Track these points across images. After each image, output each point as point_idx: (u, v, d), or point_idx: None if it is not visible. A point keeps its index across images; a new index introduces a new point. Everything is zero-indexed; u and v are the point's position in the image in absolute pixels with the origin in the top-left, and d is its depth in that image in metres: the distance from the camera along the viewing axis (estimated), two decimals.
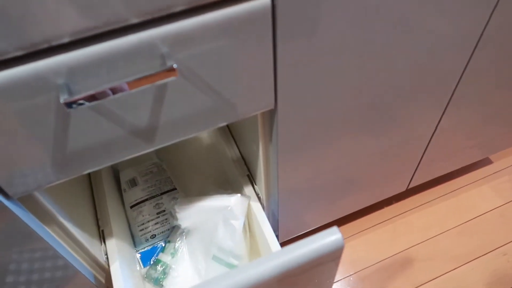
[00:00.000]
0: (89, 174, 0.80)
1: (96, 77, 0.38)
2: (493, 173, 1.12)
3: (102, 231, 0.68)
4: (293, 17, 0.43)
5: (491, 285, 0.93)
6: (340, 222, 1.04)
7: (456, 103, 0.73)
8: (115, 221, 0.71)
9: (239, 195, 0.72)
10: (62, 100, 0.35)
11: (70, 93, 0.37)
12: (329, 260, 0.49)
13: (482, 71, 0.69)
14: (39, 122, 0.39)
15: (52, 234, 0.52)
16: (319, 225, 0.93)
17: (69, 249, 0.56)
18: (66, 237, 0.55)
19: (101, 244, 0.67)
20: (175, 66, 0.38)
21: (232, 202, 0.71)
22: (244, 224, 0.72)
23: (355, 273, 0.96)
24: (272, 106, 0.52)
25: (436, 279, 0.95)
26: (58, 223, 0.53)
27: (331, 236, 0.48)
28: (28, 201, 0.48)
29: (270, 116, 0.56)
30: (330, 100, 0.58)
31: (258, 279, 0.44)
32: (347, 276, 0.96)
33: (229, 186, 0.86)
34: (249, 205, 0.73)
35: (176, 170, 0.91)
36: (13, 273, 0.50)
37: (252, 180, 0.77)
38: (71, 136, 0.42)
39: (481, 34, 0.61)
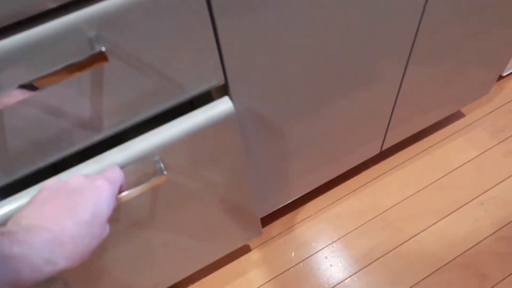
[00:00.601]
0: None
1: (19, 70, 0.36)
2: (466, 125, 1.13)
3: None
4: None
5: (471, 235, 0.95)
6: (320, 190, 1.05)
7: (416, 60, 0.73)
8: None
9: None
10: None
11: None
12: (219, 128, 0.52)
13: (438, 23, 0.68)
14: None
15: None
16: (299, 195, 0.93)
17: None
18: None
19: None
20: (103, 49, 0.36)
21: None
22: None
23: (339, 239, 0.97)
24: (222, 81, 0.51)
25: (418, 235, 0.97)
26: None
27: (221, 105, 0.51)
28: None
29: (225, 93, 0.55)
30: (286, 71, 0.57)
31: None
32: (331, 243, 0.97)
33: None
34: None
35: None
36: None
37: None
38: (9, 135, 0.40)
39: None
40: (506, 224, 0.95)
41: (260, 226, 0.85)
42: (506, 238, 0.93)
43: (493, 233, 0.95)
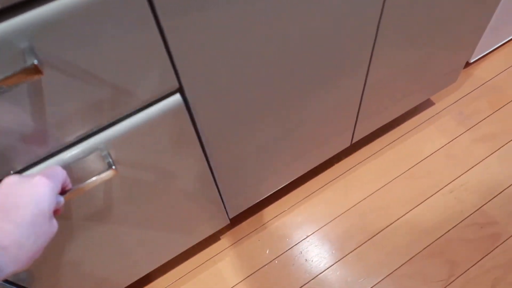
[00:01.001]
0: None
1: None
2: (436, 113, 1.14)
3: None
4: None
5: (442, 223, 0.96)
6: (293, 185, 1.04)
7: (380, 51, 0.72)
8: None
9: None
10: None
11: None
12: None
13: (400, 13, 0.67)
14: None
15: None
16: (271, 192, 0.92)
17: None
18: None
19: None
20: (35, 62, 0.34)
21: None
22: None
23: (313, 233, 0.97)
24: (176, 85, 0.49)
25: (391, 225, 0.97)
26: None
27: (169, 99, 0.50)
28: None
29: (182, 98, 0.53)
30: (244, 70, 0.55)
31: None
32: (306, 237, 0.97)
33: None
34: None
35: None
36: None
37: None
38: None
39: None
40: (475, 211, 0.97)
41: (226, 214, 0.84)
42: (475, 225, 0.95)
43: (463, 220, 0.96)
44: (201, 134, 0.60)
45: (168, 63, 0.46)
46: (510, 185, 1.00)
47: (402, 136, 1.11)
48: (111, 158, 0.50)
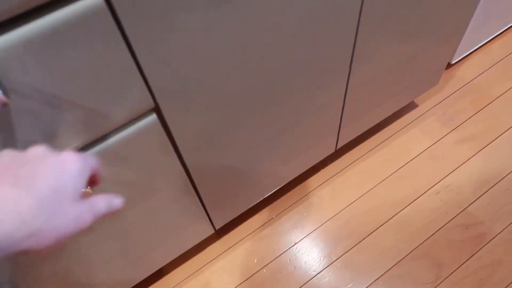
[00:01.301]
0: None
1: None
2: (420, 115, 1.15)
3: None
4: (139, 8, 0.39)
5: (428, 225, 0.97)
6: (279, 192, 1.04)
7: (360, 56, 0.72)
8: None
9: None
10: None
11: None
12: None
13: (378, 17, 0.67)
14: None
15: None
16: (257, 201, 0.92)
17: None
18: None
19: None
20: (0, 92, 0.33)
21: None
22: None
23: (300, 240, 0.97)
24: (151, 105, 0.49)
25: (378, 229, 0.98)
26: None
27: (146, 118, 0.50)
28: None
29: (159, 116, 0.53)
30: (221, 85, 0.54)
31: None
32: (294, 245, 0.97)
33: None
34: None
35: None
36: None
37: None
38: None
39: None
40: (460, 212, 0.98)
41: (211, 225, 0.84)
42: (461, 226, 0.96)
43: (449, 221, 0.97)
44: (180, 149, 0.59)
45: (141, 83, 0.45)
46: (494, 185, 1.01)
47: (387, 139, 1.12)
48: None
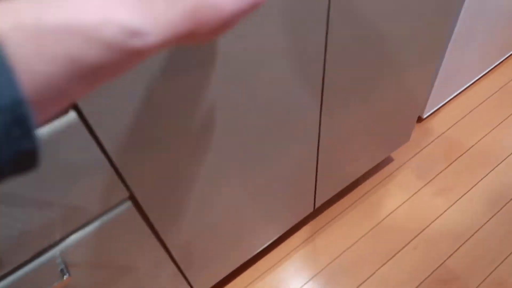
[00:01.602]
0: None
1: None
2: (396, 169, 1.20)
3: None
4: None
5: (408, 281, 0.99)
6: (260, 254, 1.05)
7: (328, 117, 0.75)
8: None
9: None
10: None
11: None
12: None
13: (340, 88, 0.71)
14: None
15: None
16: (238, 265, 0.93)
17: None
18: None
19: None
20: None
21: None
22: None
23: None
24: (126, 194, 0.52)
25: (364, 283, 0.99)
26: None
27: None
28: None
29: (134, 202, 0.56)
30: (190, 164, 0.58)
31: None
32: None
33: None
34: None
35: None
36: None
37: None
38: None
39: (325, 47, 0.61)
40: (438, 267, 1.00)
41: None
42: (440, 281, 0.98)
43: (428, 276, 0.99)
44: (156, 228, 0.62)
45: (115, 177, 0.49)
46: (468, 238, 1.04)
47: (364, 194, 1.15)
48: (65, 265, 0.51)
